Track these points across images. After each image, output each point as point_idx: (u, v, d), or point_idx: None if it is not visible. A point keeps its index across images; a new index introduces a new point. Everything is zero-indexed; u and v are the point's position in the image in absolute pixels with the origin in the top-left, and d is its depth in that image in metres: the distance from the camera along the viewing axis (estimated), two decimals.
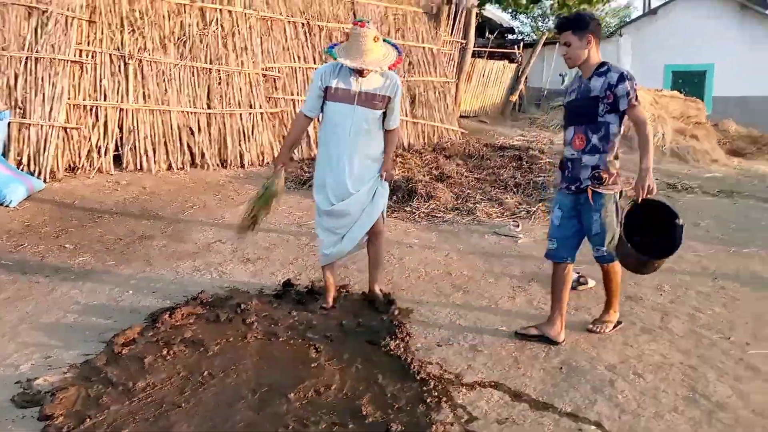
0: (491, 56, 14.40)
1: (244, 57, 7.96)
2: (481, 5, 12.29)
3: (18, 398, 2.68)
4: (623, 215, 3.20)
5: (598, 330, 3.60)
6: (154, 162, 7.19)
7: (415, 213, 6.15)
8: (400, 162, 7.93)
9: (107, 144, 6.96)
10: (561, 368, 3.15)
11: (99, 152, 6.89)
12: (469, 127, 10.81)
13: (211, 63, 7.69)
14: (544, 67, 15.35)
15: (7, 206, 5.56)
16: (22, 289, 3.98)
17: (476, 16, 13.32)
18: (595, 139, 3.25)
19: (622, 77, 3.17)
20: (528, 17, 22.13)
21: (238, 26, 7.95)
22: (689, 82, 15.16)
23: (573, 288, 4.17)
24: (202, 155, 7.59)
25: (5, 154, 6.20)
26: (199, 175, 7.35)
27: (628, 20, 18.41)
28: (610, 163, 3.27)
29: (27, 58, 6.36)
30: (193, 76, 7.58)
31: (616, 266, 3.48)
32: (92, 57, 6.86)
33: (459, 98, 10.52)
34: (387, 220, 5.76)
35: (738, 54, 14.72)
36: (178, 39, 7.50)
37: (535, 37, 21.59)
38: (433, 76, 9.77)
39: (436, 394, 2.79)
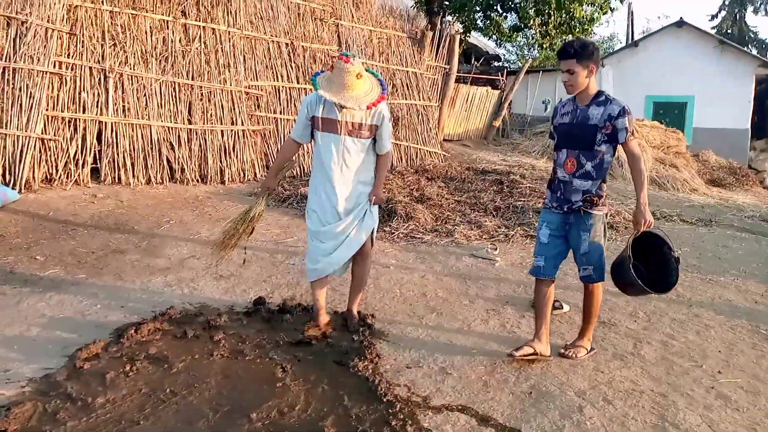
0: (475, 82, 14.56)
1: (227, 74, 7.97)
2: (466, 32, 12.44)
3: None
4: (629, 245, 3.29)
5: (570, 355, 3.57)
6: (133, 176, 7.12)
7: (393, 233, 6.14)
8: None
9: (85, 156, 6.89)
10: (530, 393, 3.12)
11: (76, 164, 6.82)
12: (452, 150, 10.87)
13: (193, 79, 7.68)
14: (527, 94, 15.54)
15: None
16: None
17: (461, 43, 13.52)
18: (588, 166, 3.35)
19: (623, 111, 3.26)
20: (513, 45, 22.48)
21: (221, 44, 7.97)
22: (670, 113, 15.42)
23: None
24: (182, 170, 7.54)
25: None
26: (178, 190, 7.29)
27: (611, 51, 18.73)
28: (601, 189, 3.40)
29: (4, 68, 6.30)
30: (175, 91, 7.56)
31: (600, 288, 3.55)
32: (72, 69, 6.82)
33: (443, 122, 10.58)
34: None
35: (717, 87, 15.03)
36: (160, 54, 7.49)
37: (519, 64, 21.93)
38: (416, 100, 9.84)
39: (402, 416, 2.74)
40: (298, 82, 8.68)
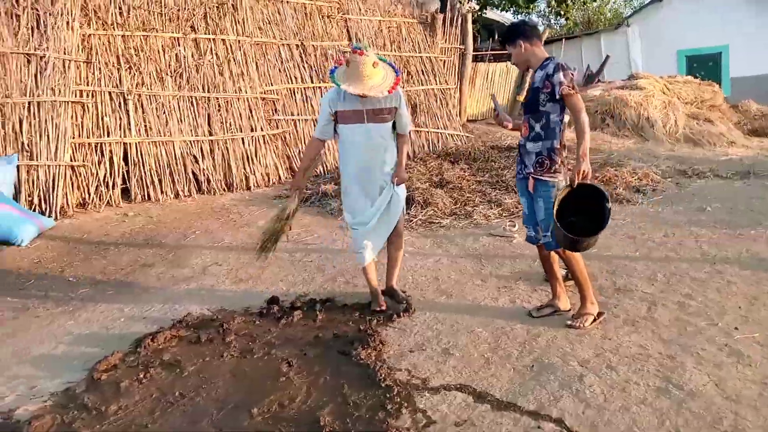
0: (497, 59, 14.33)
1: (242, 83, 8.14)
2: (481, 9, 12.26)
3: None
4: (557, 199, 3.37)
5: (577, 325, 3.55)
6: (161, 192, 7.39)
7: (411, 221, 6.17)
8: None
9: (114, 178, 7.19)
10: (532, 366, 3.12)
11: (107, 186, 7.13)
12: (476, 130, 10.77)
13: (209, 91, 7.90)
14: None
15: (18, 246, 5.80)
16: (22, 324, 4.14)
17: (476, 21, 13.34)
18: (537, 128, 3.47)
19: (558, 67, 3.39)
20: (538, 17, 21.98)
21: (232, 53, 8.15)
22: (704, 65, 14.79)
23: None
24: (208, 181, 7.77)
25: (16, 196, 6.46)
26: (205, 201, 7.53)
27: (636, 9, 18.05)
28: (554, 151, 3.45)
29: (29, 102, 6.65)
30: (193, 105, 7.79)
31: (577, 257, 3.59)
32: (92, 96, 7.12)
33: (464, 103, 10.50)
34: None
35: (752, 33, 14.30)
36: (175, 71, 7.73)
37: (547, 35, 21.42)
38: (432, 84, 9.80)
39: (399, 400, 2.81)
40: (312, 82, 8.79)
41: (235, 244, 5.79)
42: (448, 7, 10.58)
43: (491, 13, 15.53)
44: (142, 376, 3.19)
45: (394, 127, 3.84)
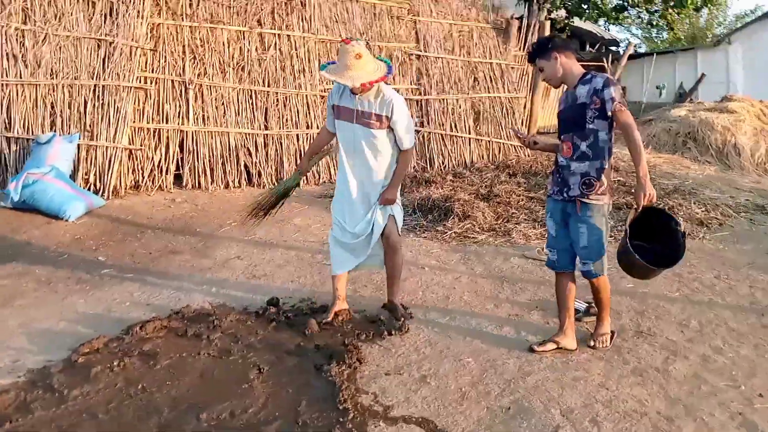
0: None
1: (302, 79, 8.19)
2: (569, 17, 11.73)
3: None
4: (628, 224, 3.21)
5: (597, 345, 3.53)
6: (212, 181, 7.56)
7: (446, 233, 5.94)
8: (450, 179, 7.73)
9: (168, 164, 7.43)
10: (509, 408, 2.87)
11: (160, 171, 7.37)
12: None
13: (268, 86, 8.00)
14: (643, 80, 14.28)
15: (66, 221, 6.09)
16: (39, 297, 4.32)
17: (564, 29, 12.79)
18: (583, 146, 3.25)
19: (607, 82, 3.18)
20: (638, 28, 20.85)
21: (296, 50, 8.21)
22: None
23: (578, 319, 3.82)
24: (259, 174, 7.87)
25: (74, 174, 6.80)
26: (253, 193, 7.59)
27: (740, 26, 16.65)
28: (601, 172, 3.25)
29: (95, 85, 6.98)
30: (251, 98, 7.91)
31: (604, 280, 3.44)
32: (155, 83, 7.38)
33: (535, 114, 10.06)
34: (414, 239, 5.68)
35: None
36: (237, 64, 7.88)
37: (646, 48, 20.37)
38: (500, 92, 9.46)
39: (350, 426, 2.65)
40: None
41: (264, 240, 5.79)
42: (526, 12, 10.18)
43: (582, 23, 14.85)
44: (116, 363, 3.21)
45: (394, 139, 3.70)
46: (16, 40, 6.84)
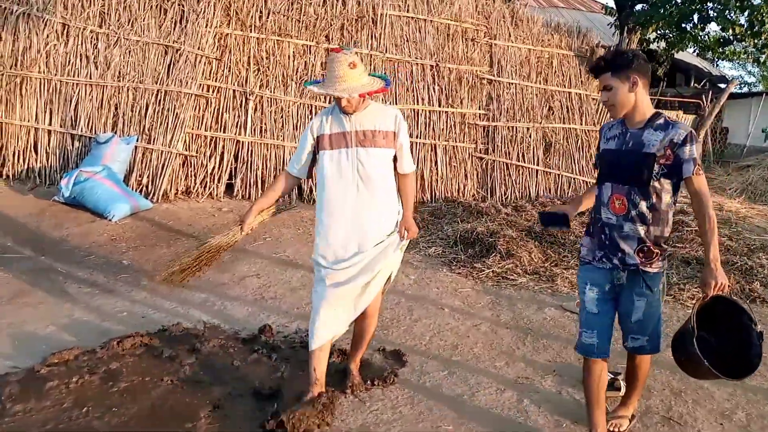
0: (684, 107, 12.64)
1: None
2: (669, 49, 10.85)
3: None
4: (694, 313, 2.62)
5: (612, 428, 2.98)
6: (262, 193, 7.48)
7: (483, 271, 5.47)
8: (506, 213, 7.22)
9: (221, 173, 7.44)
10: None
11: (212, 179, 7.40)
12: None
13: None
14: (750, 121, 12.94)
15: (109, 220, 6.19)
16: (46, 296, 4.33)
17: (663, 62, 11.89)
18: (643, 207, 2.65)
19: (691, 137, 2.58)
20: (754, 66, 19.12)
21: None
22: None
23: None
24: (311, 190, 7.73)
25: (128, 175, 6.95)
26: (299, 209, 7.48)
27: None
28: (661, 238, 2.69)
29: (158, 90, 7.13)
30: (311, 113, 7.81)
31: (649, 359, 2.95)
32: (217, 92, 7.44)
33: None
34: (447, 274, 5.27)
35: None
36: (300, 78, 7.81)
37: (762, 87, 18.71)
38: (576, 124, 8.83)
39: None
40: (439, 105, 8.37)
41: (291, 258, 5.59)
42: (617, 41, 9.48)
43: (686, 55, 13.78)
44: (74, 380, 3.08)
45: (395, 163, 3.10)
46: (91, 42, 7.12)
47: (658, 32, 10.25)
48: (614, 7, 10.50)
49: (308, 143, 3.10)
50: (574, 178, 8.67)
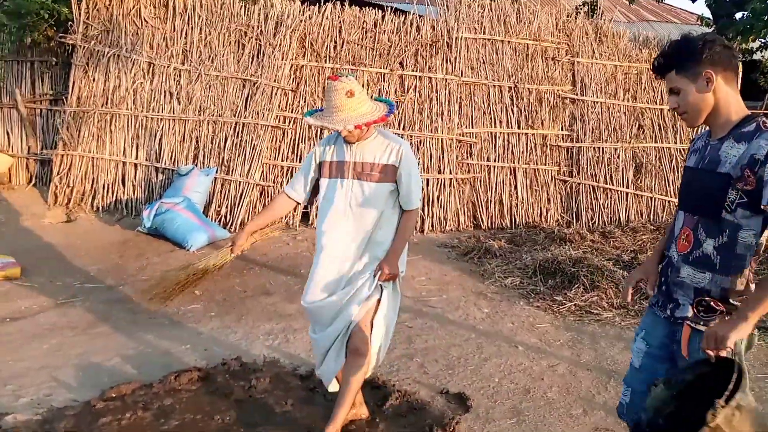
0: None
1: (439, 122, 7.82)
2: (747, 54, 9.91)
3: None
4: (683, 374, 1.95)
5: None
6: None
7: (564, 305, 5.07)
8: (591, 239, 6.74)
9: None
10: None
11: None
12: None
13: (404, 129, 7.75)
14: None
15: (187, 250, 6.34)
16: (117, 327, 4.41)
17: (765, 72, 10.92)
18: (709, 246, 2.02)
19: None
20: None
21: (436, 92, 7.88)
22: None
23: None
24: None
25: (208, 206, 7.13)
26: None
27: None
28: (732, 292, 2.00)
29: (236, 123, 7.30)
30: None
31: None
32: (293, 123, 7.52)
33: None
34: (524, 308, 4.92)
35: None
36: None
37: None
38: (669, 143, 8.19)
39: None
40: (518, 127, 8.04)
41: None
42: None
43: None
44: (128, 416, 3.06)
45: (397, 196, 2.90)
46: (174, 78, 7.43)
47: (761, 41, 9.41)
48: (710, 18, 9.75)
49: (311, 167, 2.99)
50: (668, 201, 8.02)
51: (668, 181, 8.09)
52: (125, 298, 5.02)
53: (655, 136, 8.25)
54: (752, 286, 1.97)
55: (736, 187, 1.92)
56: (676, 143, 8.23)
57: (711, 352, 1.82)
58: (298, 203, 3.11)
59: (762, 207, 1.87)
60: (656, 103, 8.37)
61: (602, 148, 8.10)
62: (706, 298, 2.01)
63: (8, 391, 3.31)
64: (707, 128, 2.12)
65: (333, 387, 3.00)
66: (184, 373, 3.50)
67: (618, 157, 8.10)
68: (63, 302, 4.89)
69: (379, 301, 2.86)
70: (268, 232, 3.26)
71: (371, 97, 2.91)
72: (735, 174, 1.92)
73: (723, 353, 1.80)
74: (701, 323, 1.99)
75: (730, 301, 1.98)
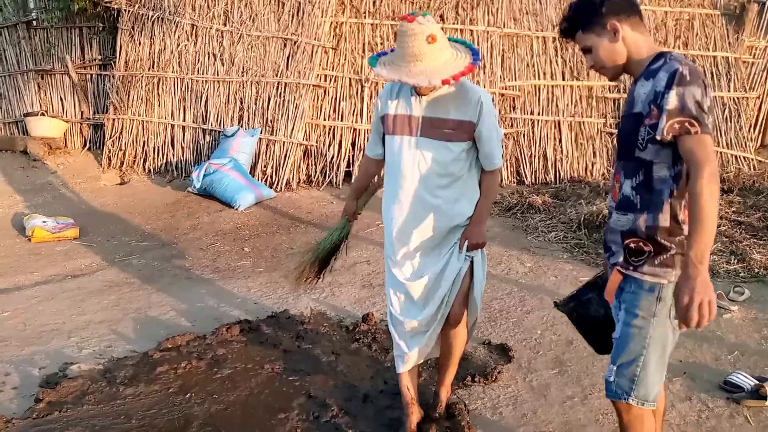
0: None
1: (481, 76, 7.68)
2: None
3: (47, 377, 3.12)
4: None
5: None
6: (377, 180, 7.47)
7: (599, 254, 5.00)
8: None
9: (340, 161, 7.54)
10: None
11: (332, 168, 7.51)
12: None
13: None
14: None
15: (236, 209, 6.52)
16: (172, 282, 4.63)
17: None
18: (627, 187, 1.98)
19: (678, 77, 1.80)
20: None
21: (478, 45, 7.71)
22: None
23: (735, 401, 2.87)
24: None
25: (254, 167, 7.27)
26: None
27: None
28: (658, 230, 1.91)
29: (278, 83, 7.36)
30: None
31: (636, 415, 1.99)
32: (334, 81, 7.52)
33: None
34: (568, 261, 4.89)
35: None
36: None
37: None
38: (724, 91, 7.83)
39: None
40: (563, 79, 7.82)
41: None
42: None
43: None
44: (183, 365, 3.23)
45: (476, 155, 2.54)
46: (217, 40, 7.51)
47: None
48: None
49: (376, 120, 2.66)
50: (721, 153, 7.72)
51: (720, 132, 7.77)
52: (179, 255, 5.23)
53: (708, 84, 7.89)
54: (685, 228, 1.89)
55: (647, 124, 1.89)
56: (729, 92, 7.85)
57: (705, 322, 1.73)
58: (377, 160, 2.79)
59: (658, 138, 1.83)
60: (709, 50, 7.97)
61: None
62: (633, 240, 1.95)
63: (72, 343, 3.55)
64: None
65: (407, 365, 2.69)
66: (235, 325, 3.66)
67: None
68: (120, 260, 5.14)
69: (469, 273, 2.59)
70: (371, 191, 3.00)
71: (447, 41, 2.47)
72: (645, 111, 1.89)
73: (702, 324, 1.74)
74: (631, 268, 1.95)
75: (658, 239, 1.91)
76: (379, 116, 2.62)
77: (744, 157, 7.66)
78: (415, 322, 2.59)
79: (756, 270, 4.72)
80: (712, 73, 7.92)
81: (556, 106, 7.79)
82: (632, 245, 1.95)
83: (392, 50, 2.49)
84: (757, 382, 3.00)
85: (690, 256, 1.73)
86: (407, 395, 2.70)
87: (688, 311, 1.72)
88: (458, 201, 2.53)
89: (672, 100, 1.79)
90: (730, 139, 7.72)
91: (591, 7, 1.97)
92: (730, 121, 7.77)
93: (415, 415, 2.68)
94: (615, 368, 1.99)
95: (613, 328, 2.05)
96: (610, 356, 2.05)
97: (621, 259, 1.98)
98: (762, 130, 8.15)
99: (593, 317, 2.25)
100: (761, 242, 5.26)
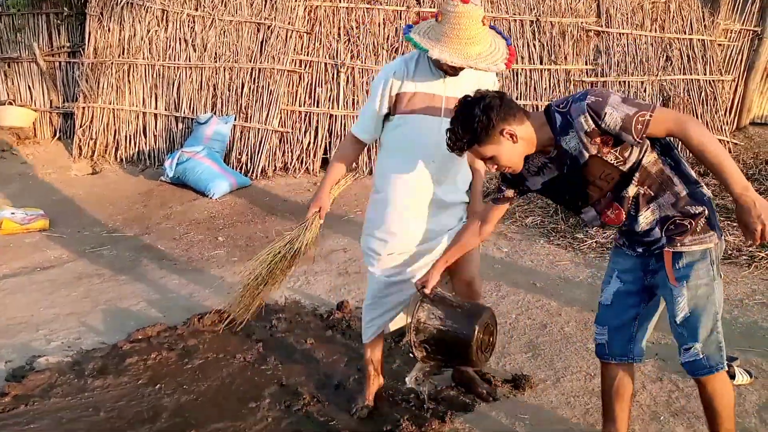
0: None
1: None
2: None
3: (13, 370, 3.04)
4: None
5: None
6: (356, 166, 7.42)
7: (585, 242, 5.03)
8: None
9: (316, 148, 7.45)
10: None
11: (308, 155, 7.43)
12: (759, 137, 8.39)
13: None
14: None
15: (210, 198, 6.42)
16: (144, 273, 4.55)
17: None
18: (639, 196, 2.05)
19: (594, 107, 1.93)
20: None
21: None
22: None
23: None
24: None
25: (228, 154, 7.16)
26: None
27: None
28: (681, 201, 2.01)
29: (252, 68, 7.24)
30: None
31: (722, 380, 2.09)
32: (309, 66, 7.42)
33: (748, 100, 8.20)
34: (544, 246, 4.90)
35: None
36: (391, 46, 7.59)
37: None
38: (699, 74, 7.86)
39: None
40: (541, 62, 7.80)
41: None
42: None
43: None
44: (153, 356, 3.19)
45: None
46: (188, 25, 7.36)
47: None
48: None
49: (380, 97, 2.47)
50: None
51: (697, 114, 7.80)
52: (151, 246, 5.14)
53: (684, 67, 7.90)
54: (700, 181, 2.09)
55: (608, 154, 1.99)
56: (705, 74, 7.89)
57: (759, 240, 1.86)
58: (366, 144, 2.75)
59: (634, 139, 1.92)
60: (685, 33, 7.99)
61: (628, 82, 7.81)
62: (672, 221, 2.02)
63: (40, 336, 3.47)
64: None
65: (372, 334, 2.76)
66: (207, 315, 3.61)
67: (644, 91, 7.81)
68: (91, 251, 5.03)
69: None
70: (342, 184, 2.88)
71: None
72: (595, 151, 1.99)
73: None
74: (677, 244, 2.02)
75: (687, 209, 2.01)
76: (391, 94, 2.46)
77: (720, 140, 7.71)
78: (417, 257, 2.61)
79: (729, 251, 4.77)
80: (688, 56, 7.94)
81: (534, 89, 7.77)
82: (671, 226, 2.03)
83: (412, 26, 2.39)
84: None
85: (735, 192, 1.85)
86: (369, 367, 2.76)
87: (758, 233, 1.83)
88: (461, 178, 2.60)
89: (615, 118, 1.92)
90: (706, 122, 7.75)
91: (481, 124, 2.01)
92: (706, 104, 7.81)
93: (372, 388, 2.76)
94: (700, 345, 2.04)
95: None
96: (684, 337, 2.08)
97: (666, 241, 2.05)
98: (737, 112, 8.21)
99: (439, 332, 2.44)
100: (735, 224, 5.30)
